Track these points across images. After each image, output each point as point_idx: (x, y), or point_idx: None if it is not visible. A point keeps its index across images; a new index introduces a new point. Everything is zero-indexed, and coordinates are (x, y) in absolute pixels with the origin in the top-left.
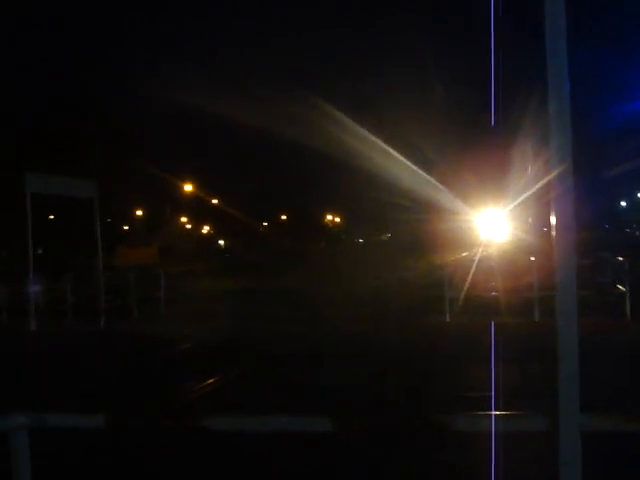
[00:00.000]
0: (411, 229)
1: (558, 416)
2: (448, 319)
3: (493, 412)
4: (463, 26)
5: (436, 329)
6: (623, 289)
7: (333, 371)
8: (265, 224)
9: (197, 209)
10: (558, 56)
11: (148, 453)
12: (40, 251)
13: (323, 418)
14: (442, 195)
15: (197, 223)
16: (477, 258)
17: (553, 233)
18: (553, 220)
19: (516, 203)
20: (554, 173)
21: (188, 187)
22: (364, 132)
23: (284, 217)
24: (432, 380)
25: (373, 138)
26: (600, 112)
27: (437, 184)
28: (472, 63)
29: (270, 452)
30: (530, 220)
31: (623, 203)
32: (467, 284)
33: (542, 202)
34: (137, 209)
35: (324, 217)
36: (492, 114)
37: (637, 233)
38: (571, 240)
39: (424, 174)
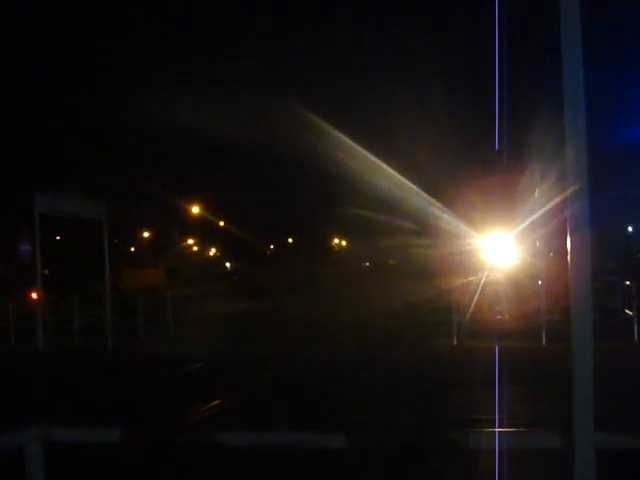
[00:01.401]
0: (417, 253)
1: (574, 434)
2: (455, 342)
3: (507, 429)
4: (469, 46)
5: (443, 352)
6: (631, 313)
7: (344, 392)
8: (272, 247)
9: (204, 231)
10: (575, 72)
11: (160, 470)
12: (47, 271)
13: (337, 434)
14: (448, 219)
15: (204, 245)
16: (484, 282)
17: (568, 254)
18: (568, 240)
19: (523, 226)
20: (569, 191)
21: (195, 209)
22: (369, 156)
23: (291, 240)
24: (440, 402)
25: (379, 162)
26: (609, 134)
27: (443, 208)
28: (477, 86)
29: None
30: (537, 244)
31: (630, 228)
32: (474, 308)
33: (550, 225)
34: (144, 231)
35: (331, 240)
36: (497, 137)
37: None
38: (587, 260)
39: (430, 198)
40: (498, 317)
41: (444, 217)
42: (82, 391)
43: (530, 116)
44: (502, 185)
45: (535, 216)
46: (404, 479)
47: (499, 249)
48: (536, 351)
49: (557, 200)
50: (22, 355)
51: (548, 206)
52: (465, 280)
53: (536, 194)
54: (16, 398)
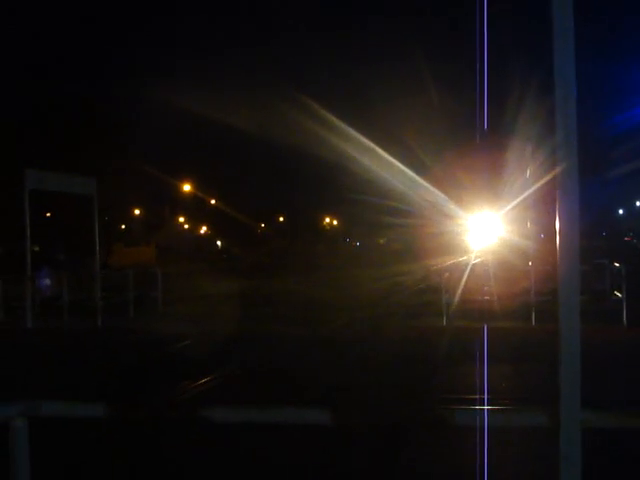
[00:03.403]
0: (407, 233)
1: (560, 412)
2: (444, 322)
3: (495, 407)
4: (456, 28)
5: (432, 332)
6: (620, 295)
7: (331, 370)
8: (263, 226)
9: (195, 209)
10: (566, 52)
11: (147, 445)
12: (37, 248)
13: (324, 410)
14: (437, 199)
15: (195, 223)
16: (473, 262)
17: (557, 232)
18: (557, 219)
19: (513, 206)
20: (559, 169)
21: (187, 187)
22: (359, 136)
23: (281, 219)
24: (428, 381)
25: (368, 142)
26: (599, 118)
27: (432, 188)
28: (465, 66)
29: (271, 445)
30: (528, 224)
31: (621, 211)
32: (463, 288)
33: (542, 204)
34: (135, 208)
35: (322, 220)
36: (485, 117)
37: (634, 241)
38: (575, 239)
39: (419, 178)
40: (487, 297)
41: (433, 197)
42: (69, 368)
43: (520, 94)
44: (492, 164)
45: (525, 196)
46: (390, 456)
47: (489, 229)
48: (525, 331)
49: (547, 180)
50: (9, 332)
51: (539, 184)
52: (454, 260)
53: (527, 174)
54: (3, 375)
